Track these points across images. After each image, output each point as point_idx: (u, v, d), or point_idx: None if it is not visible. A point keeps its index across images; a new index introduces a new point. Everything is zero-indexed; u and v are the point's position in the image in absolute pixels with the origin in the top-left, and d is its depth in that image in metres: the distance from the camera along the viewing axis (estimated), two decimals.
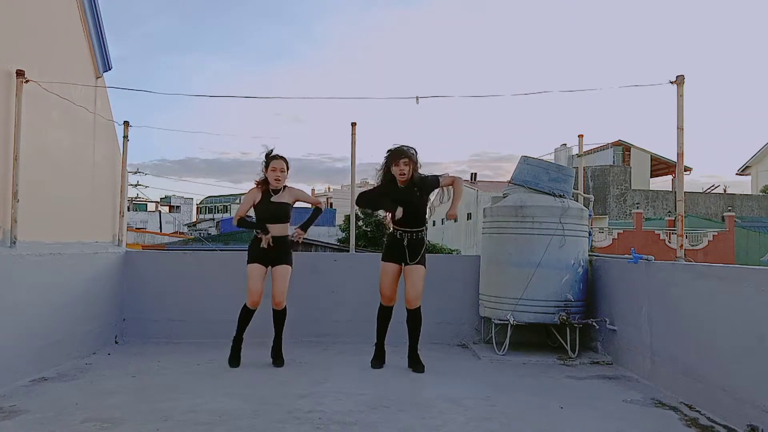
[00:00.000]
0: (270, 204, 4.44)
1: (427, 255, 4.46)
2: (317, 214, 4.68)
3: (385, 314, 4.51)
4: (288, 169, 4.51)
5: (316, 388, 3.89)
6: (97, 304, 5.03)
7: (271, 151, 4.48)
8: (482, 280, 5.37)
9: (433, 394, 3.79)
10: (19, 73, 4.27)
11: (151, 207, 57.82)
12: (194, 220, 65.61)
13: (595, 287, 5.17)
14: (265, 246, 4.35)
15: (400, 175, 4.30)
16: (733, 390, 3.21)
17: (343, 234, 33.73)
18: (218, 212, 69.65)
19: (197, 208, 72.30)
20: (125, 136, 5.89)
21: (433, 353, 4.98)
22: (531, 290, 4.86)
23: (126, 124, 5.90)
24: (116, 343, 5.35)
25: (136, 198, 47.19)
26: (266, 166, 4.47)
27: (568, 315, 4.82)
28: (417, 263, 4.33)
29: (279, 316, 4.50)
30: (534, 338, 5.39)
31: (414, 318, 4.40)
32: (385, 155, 4.36)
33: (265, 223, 4.41)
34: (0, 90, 4.12)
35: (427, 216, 4.42)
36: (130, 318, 5.52)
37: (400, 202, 4.27)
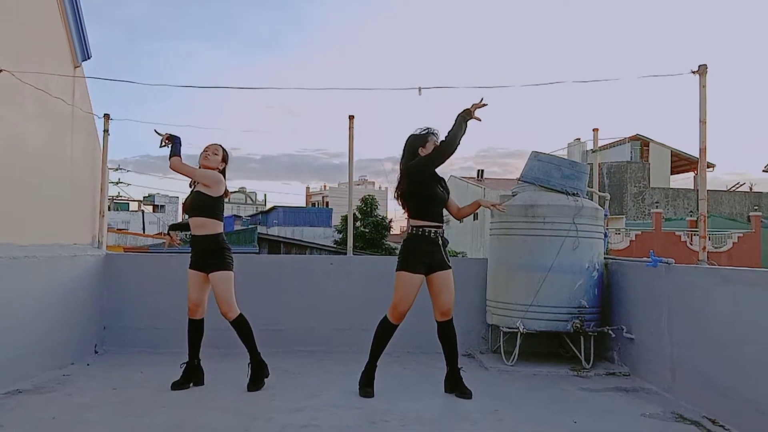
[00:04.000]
0: (190, 194, 4.19)
1: None
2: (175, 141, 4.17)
3: (390, 333, 4.07)
4: (224, 157, 4.25)
5: (311, 401, 3.90)
6: (76, 311, 5.03)
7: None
8: (490, 285, 5.37)
9: (437, 408, 3.79)
10: None
11: (133, 206, 57.81)
12: (180, 220, 65.64)
13: (611, 293, 5.17)
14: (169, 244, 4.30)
15: None
16: (759, 404, 3.21)
17: (340, 235, 33.77)
18: None
19: (183, 207, 72.33)
20: (105, 130, 5.89)
21: (438, 364, 4.98)
22: (542, 296, 4.87)
23: (106, 117, 5.90)
24: (96, 353, 5.35)
25: (117, 197, 47.18)
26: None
27: (582, 322, 4.82)
28: (450, 266, 4.00)
29: (236, 328, 4.15)
30: (545, 347, 5.40)
31: (451, 331, 4.03)
32: (408, 141, 4.06)
33: (189, 216, 4.17)
34: None
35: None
36: (111, 326, 5.52)
37: (437, 188, 4.01)
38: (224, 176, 4.27)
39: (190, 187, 4.27)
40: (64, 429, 3.26)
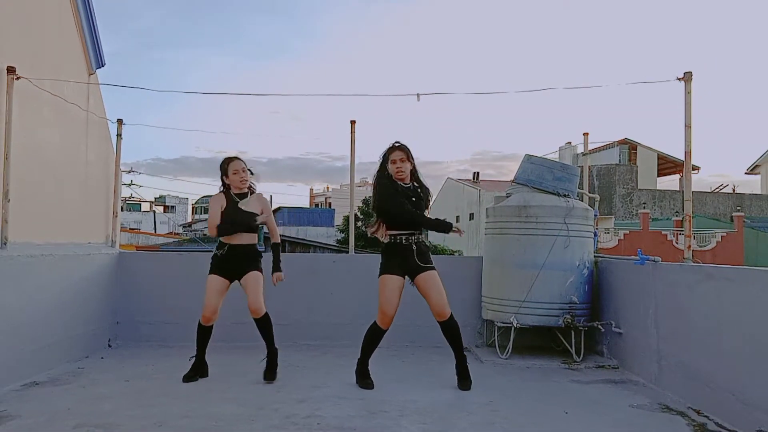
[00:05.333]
0: (237, 211, 4.14)
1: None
2: (278, 250, 4.36)
3: (378, 338, 4.05)
4: (251, 173, 4.28)
5: (315, 392, 3.90)
6: (90, 307, 5.03)
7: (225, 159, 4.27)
8: (485, 282, 5.37)
9: (434, 399, 3.79)
10: (10, 70, 4.27)
11: (145, 207, 57.76)
12: (189, 220, 65.58)
13: (600, 289, 5.16)
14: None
15: (397, 172, 3.95)
16: (742, 394, 3.21)
17: (342, 235, 33.77)
18: None
19: (192, 207, 72.26)
20: (119, 134, 5.89)
21: (435, 357, 4.99)
22: (535, 292, 4.86)
23: (119, 121, 5.90)
24: (109, 346, 5.35)
25: (129, 198, 47.13)
26: (225, 173, 4.19)
27: (572, 318, 4.82)
28: (431, 267, 3.97)
29: (261, 324, 4.17)
30: (538, 341, 5.40)
31: (451, 328, 3.99)
32: (380, 156, 4.08)
33: (235, 232, 4.15)
34: None
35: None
36: (124, 321, 5.52)
37: (407, 200, 3.95)
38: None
39: (236, 199, 4.19)
40: (79, 419, 3.26)
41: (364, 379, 4.05)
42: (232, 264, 4.16)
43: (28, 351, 4.12)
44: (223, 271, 4.16)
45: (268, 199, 4.59)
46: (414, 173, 4.09)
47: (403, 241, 3.97)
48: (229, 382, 4.11)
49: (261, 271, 4.21)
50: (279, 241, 4.40)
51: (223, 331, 5.50)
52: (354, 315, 5.57)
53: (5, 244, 4.15)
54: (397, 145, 4.05)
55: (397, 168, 3.97)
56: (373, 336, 4.07)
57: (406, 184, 4.02)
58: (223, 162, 4.25)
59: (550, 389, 4.12)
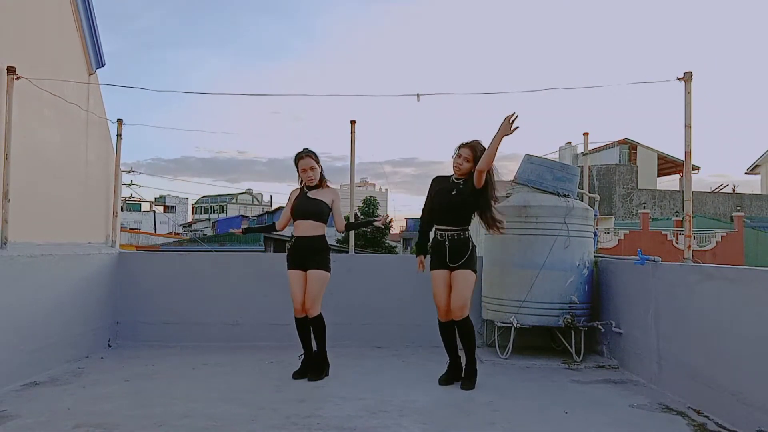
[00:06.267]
0: (304, 199, 4.29)
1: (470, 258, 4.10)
2: (352, 225, 4.73)
3: (442, 330, 4.19)
4: (318, 162, 4.35)
5: (315, 392, 3.90)
6: (90, 307, 5.03)
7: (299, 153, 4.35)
8: (485, 282, 5.37)
9: (434, 400, 3.79)
10: (10, 70, 4.27)
11: (145, 207, 57.76)
12: (189, 220, 65.62)
13: (600, 289, 5.16)
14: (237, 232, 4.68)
15: (455, 166, 4.11)
16: (742, 394, 3.21)
17: (342, 234, 33.72)
18: (214, 212, 69.72)
19: (192, 207, 72.31)
20: (119, 134, 5.89)
21: (434, 357, 4.98)
22: (535, 292, 4.86)
23: (119, 121, 5.90)
24: (109, 346, 5.35)
25: (129, 198, 47.10)
26: (297, 169, 4.35)
27: (572, 317, 4.82)
28: (461, 267, 4.03)
29: (312, 325, 4.28)
30: (538, 341, 5.40)
31: (460, 330, 4.11)
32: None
33: (297, 220, 4.28)
34: None
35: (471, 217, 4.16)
36: (124, 321, 5.52)
37: (440, 194, 4.13)
38: (323, 178, 4.41)
39: (304, 190, 4.34)
40: (79, 419, 3.26)
41: (441, 375, 4.22)
42: (300, 255, 4.27)
43: (28, 351, 4.12)
44: (294, 264, 4.29)
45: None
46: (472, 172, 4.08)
47: (438, 237, 4.16)
48: (230, 382, 4.11)
49: (329, 270, 4.29)
50: (345, 225, 4.51)
51: (222, 331, 5.52)
52: (354, 315, 5.58)
53: (5, 244, 4.15)
54: (465, 142, 4.14)
55: (457, 164, 4.13)
56: (441, 332, 4.22)
57: (457, 178, 4.14)
58: (294, 157, 4.37)
59: (549, 389, 4.12)
